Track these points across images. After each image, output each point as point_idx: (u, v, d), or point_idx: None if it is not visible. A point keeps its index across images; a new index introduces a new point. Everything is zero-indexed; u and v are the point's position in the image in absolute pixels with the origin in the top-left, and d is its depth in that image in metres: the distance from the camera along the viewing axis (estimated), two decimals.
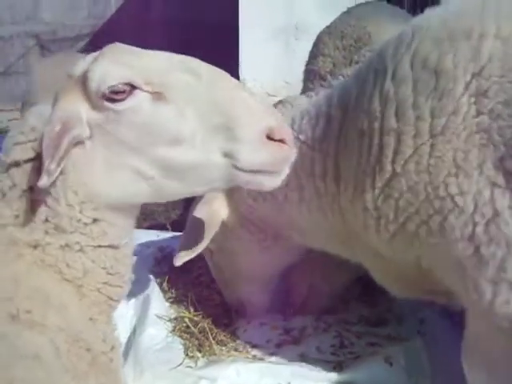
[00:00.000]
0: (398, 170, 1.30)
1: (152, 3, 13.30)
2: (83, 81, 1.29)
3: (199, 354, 1.90)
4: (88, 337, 1.28)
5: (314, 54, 3.25)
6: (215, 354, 1.93)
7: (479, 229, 1.19)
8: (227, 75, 1.33)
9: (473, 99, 1.23)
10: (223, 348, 1.96)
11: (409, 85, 1.30)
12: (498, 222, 1.17)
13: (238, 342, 2.06)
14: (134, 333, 2.02)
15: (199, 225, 1.78)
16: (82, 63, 1.37)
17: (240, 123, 1.25)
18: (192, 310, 2.13)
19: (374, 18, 2.93)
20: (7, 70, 14.28)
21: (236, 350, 1.96)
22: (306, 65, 3.33)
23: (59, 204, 1.28)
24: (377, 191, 1.37)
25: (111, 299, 1.41)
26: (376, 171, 1.35)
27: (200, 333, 1.97)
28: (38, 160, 1.28)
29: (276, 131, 1.27)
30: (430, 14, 1.41)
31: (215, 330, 2.03)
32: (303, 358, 1.98)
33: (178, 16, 12.84)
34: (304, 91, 2.93)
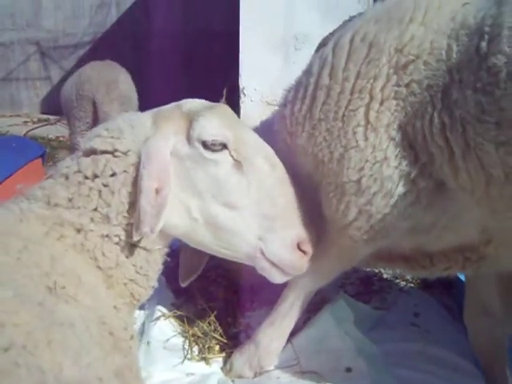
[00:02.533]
0: (322, 116, 1.59)
1: (153, 12, 13.45)
2: (191, 119, 1.48)
3: (203, 351, 1.95)
4: (111, 322, 1.36)
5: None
6: (218, 351, 2.03)
7: (367, 165, 1.48)
8: (289, 180, 1.56)
9: (392, 70, 1.49)
10: (226, 344, 2.05)
11: (344, 52, 1.59)
12: (383, 164, 1.46)
13: (241, 338, 2.09)
14: (143, 328, 2.12)
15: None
16: (193, 102, 1.57)
17: (285, 222, 1.49)
18: (197, 306, 2.18)
19: None
20: (7, 76, 14.39)
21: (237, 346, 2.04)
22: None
23: (113, 198, 1.41)
24: (306, 128, 1.64)
25: (134, 297, 1.51)
26: (306, 118, 1.64)
27: (203, 331, 2.01)
28: (110, 154, 1.43)
29: (305, 243, 1.50)
30: (379, 5, 1.69)
31: (220, 327, 2.09)
32: None
33: (179, 25, 13.01)
34: None
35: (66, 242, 1.38)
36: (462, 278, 2.28)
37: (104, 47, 13.57)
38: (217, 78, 11.63)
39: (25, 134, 8.97)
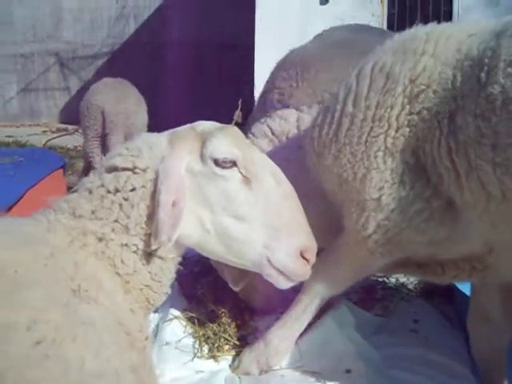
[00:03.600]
0: (346, 141, 1.75)
1: (170, 24, 13.73)
2: (203, 139, 1.63)
3: (213, 349, 2.07)
4: (128, 324, 1.48)
5: None
6: (228, 350, 2.14)
7: (386, 185, 1.64)
8: (295, 195, 1.68)
9: (407, 100, 1.62)
10: (235, 344, 2.17)
11: (366, 82, 1.74)
12: (400, 185, 1.63)
13: (249, 340, 2.19)
14: (156, 329, 2.26)
15: None
16: (206, 124, 1.71)
17: (289, 232, 1.61)
18: (208, 309, 2.30)
19: None
20: (27, 87, 14.78)
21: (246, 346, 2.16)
22: None
23: (132, 210, 1.55)
24: (332, 151, 1.81)
25: (148, 302, 1.63)
26: (333, 141, 1.80)
27: (214, 331, 2.14)
28: (131, 171, 1.57)
29: (309, 252, 1.61)
30: (396, 36, 1.84)
31: (229, 329, 2.22)
32: None
33: (195, 37, 13.27)
34: None
35: (88, 249, 1.52)
36: (461, 288, 2.39)
37: (121, 58, 13.91)
38: (229, 87, 11.86)
39: (44, 144, 9.22)
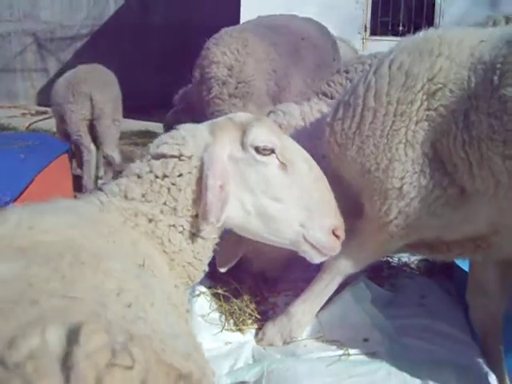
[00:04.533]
0: (370, 133, 1.90)
1: (151, 5, 13.54)
2: (244, 129, 1.77)
3: (237, 323, 2.24)
4: (174, 297, 1.61)
5: None
6: (251, 323, 2.28)
7: (408, 175, 1.80)
8: (325, 178, 1.84)
9: (425, 97, 1.77)
10: (257, 318, 2.33)
11: (386, 79, 1.89)
12: (420, 175, 1.78)
13: (269, 314, 2.36)
14: None
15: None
16: (242, 116, 1.87)
17: (323, 212, 1.79)
18: (231, 286, 2.43)
19: None
20: (4, 68, 14.43)
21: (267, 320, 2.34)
22: None
23: (179, 194, 1.68)
24: (356, 143, 1.95)
25: (190, 278, 1.79)
26: (356, 133, 1.94)
27: (238, 307, 2.30)
28: (177, 158, 1.70)
29: (339, 230, 1.79)
30: (408, 38, 2.02)
31: (250, 305, 2.34)
32: None
33: (177, 19, 13.14)
34: None
35: (139, 229, 1.66)
36: (460, 264, 2.61)
37: (101, 40, 13.68)
38: None
39: (27, 127, 9.14)
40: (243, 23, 4.34)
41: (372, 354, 1.98)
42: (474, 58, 1.73)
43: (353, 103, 1.98)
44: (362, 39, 10.41)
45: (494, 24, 2.26)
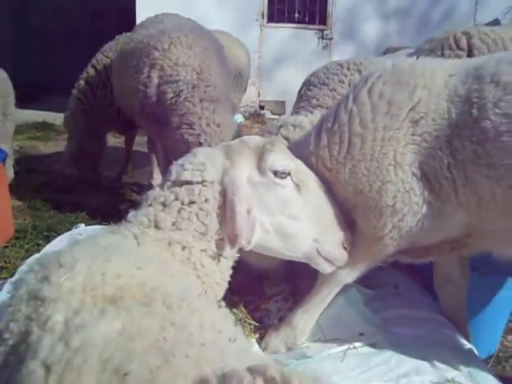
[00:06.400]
0: (360, 158, 2.00)
1: None
2: (259, 154, 1.88)
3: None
4: None
5: None
6: (252, 332, 2.36)
7: (399, 194, 1.94)
8: (330, 196, 2.03)
9: (410, 124, 1.91)
10: (256, 326, 2.39)
11: (367, 108, 2.01)
12: (411, 193, 1.93)
13: (265, 321, 2.47)
14: None
15: None
16: (254, 140, 1.98)
17: (334, 227, 2.00)
18: (227, 300, 2.48)
19: None
20: None
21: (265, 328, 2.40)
22: None
23: (207, 219, 1.77)
24: (347, 167, 2.05)
25: (216, 298, 1.87)
26: (347, 158, 2.03)
27: (238, 317, 2.36)
28: (200, 184, 1.77)
29: (346, 242, 1.98)
30: (377, 65, 2.15)
31: (247, 314, 2.44)
32: None
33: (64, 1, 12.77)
34: None
35: (175, 258, 1.71)
36: None
37: None
38: None
39: None
40: (180, 23, 4.25)
41: (373, 345, 2.19)
42: (448, 90, 1.90)
43: (338, 130, 2.07)
44: (260, 26, 10.82)
45: (455, 40, 2.53)
